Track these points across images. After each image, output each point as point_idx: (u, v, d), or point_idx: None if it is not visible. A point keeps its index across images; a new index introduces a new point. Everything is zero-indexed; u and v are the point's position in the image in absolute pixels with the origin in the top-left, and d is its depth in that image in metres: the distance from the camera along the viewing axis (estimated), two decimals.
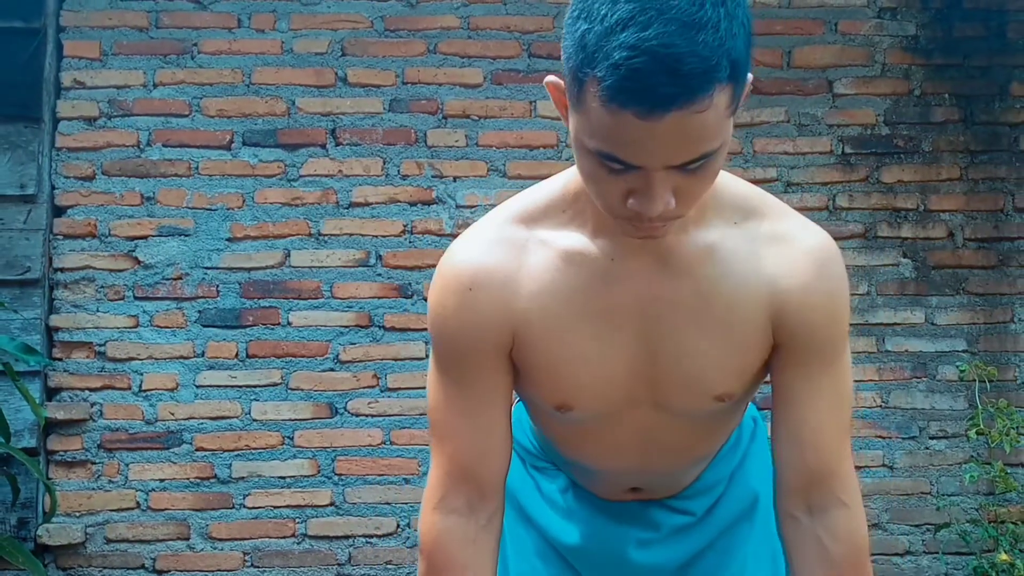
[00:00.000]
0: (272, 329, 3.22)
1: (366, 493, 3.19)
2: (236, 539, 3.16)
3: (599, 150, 1.04)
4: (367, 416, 3.20)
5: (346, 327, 3.23)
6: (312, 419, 3.20)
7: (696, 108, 0.98)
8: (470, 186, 3.26)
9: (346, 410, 3.21)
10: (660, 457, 1.39)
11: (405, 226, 3.26)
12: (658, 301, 1.22)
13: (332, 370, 3.21)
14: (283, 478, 3.18)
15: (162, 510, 3.15)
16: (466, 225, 3.19)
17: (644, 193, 1.05)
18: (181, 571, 3.14)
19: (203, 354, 3.20)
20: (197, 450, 3.17)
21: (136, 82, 3.24)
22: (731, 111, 1.03)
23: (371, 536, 3.18)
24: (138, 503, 3.15)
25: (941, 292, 3.31)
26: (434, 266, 1.31)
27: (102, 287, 3.19)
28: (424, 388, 1.32)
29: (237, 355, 3.20)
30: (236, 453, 3.17)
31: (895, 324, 3.30)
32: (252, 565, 3.15)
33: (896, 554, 3.24)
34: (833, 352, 1.26)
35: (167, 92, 3.25)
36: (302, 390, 3.21)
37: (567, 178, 1.26)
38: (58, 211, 3.21)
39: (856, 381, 3.25)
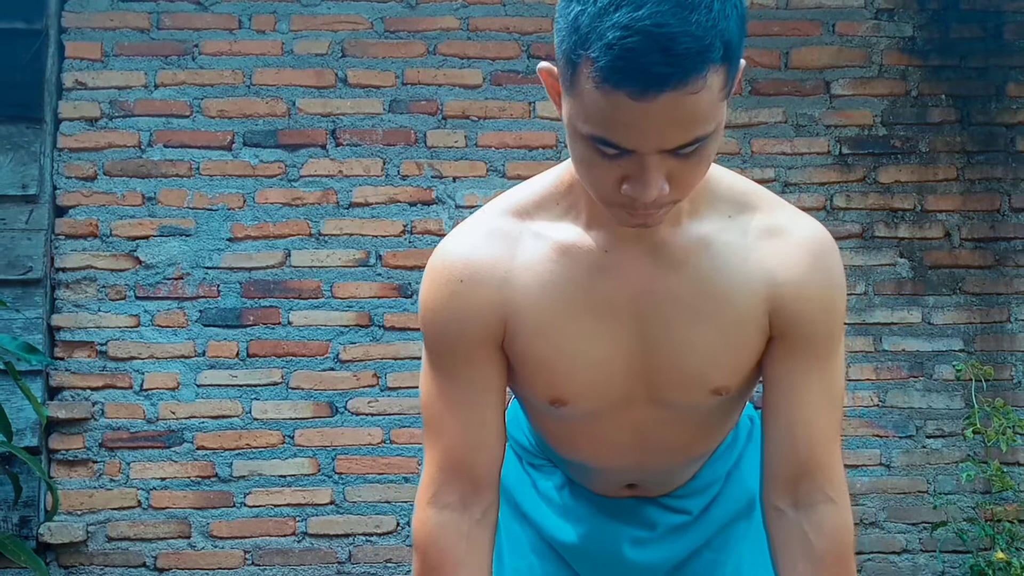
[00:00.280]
0: (273, 329, 3.23)
1: (366, 492, 3.20)
2: (237, 537, 3.17)
3: (592, 134, 1.03)
4: (367, 415, 3.22)
5: (346, 327, 3.24)
6: (312, 418, 3.22)
7: (690, 89, 0.98)
8: (470, 186, 3.28)
9: (346, 409, 3.22)
10: (656, 454, 1.38)
11: (405, 226, 3.27)
12: (652, 294, 1.22)
13: (332, 369, 3.23)
14: (283, 477, 3.20)
15: (163, 509, 3.16)
16: None
17: (638, 178, 1.05)
18: (182, 569, 3.16)
19: (204, 353, 3.21)
20: (198, 449, 3.18)
21: (137, 83, 3.26)
22: (725, 94, 1.03)
23: (371, 534, 3.20)
24: (139, 502, 3.16)
25: (938, 292, 3.33)
26: None
27: (103, 287, 3.20)
28: (421, 371, 1.32)
29: (238, 354, 3.22)
30: (237, 452, 3.19)
31: (892, 324, 3.31)
32: (252, 563, 3.17)
33: (893, 552, 3.26)
34: (828, 345, 1.24)
35: (168, 93, 3.27)
36: (302, 389, 3.22)
37: (561, 171, 1.26)
38: (60, 211, 3.22)
39: (853, 380, 3.27)
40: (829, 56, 3.37)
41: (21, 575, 3.06)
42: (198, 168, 3.26)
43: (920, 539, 3.27)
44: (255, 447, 3.20)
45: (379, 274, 3.26)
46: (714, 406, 1.31)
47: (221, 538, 3.17)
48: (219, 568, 3.16)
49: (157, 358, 3.20)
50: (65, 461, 3.16)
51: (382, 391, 3.22)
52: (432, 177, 3.29)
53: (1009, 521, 3.17)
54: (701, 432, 1.39)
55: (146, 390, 3.19)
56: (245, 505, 3.18)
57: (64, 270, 3.20)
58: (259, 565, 3.17)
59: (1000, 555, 3.02)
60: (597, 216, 1.19)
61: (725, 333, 1.23)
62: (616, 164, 1.05)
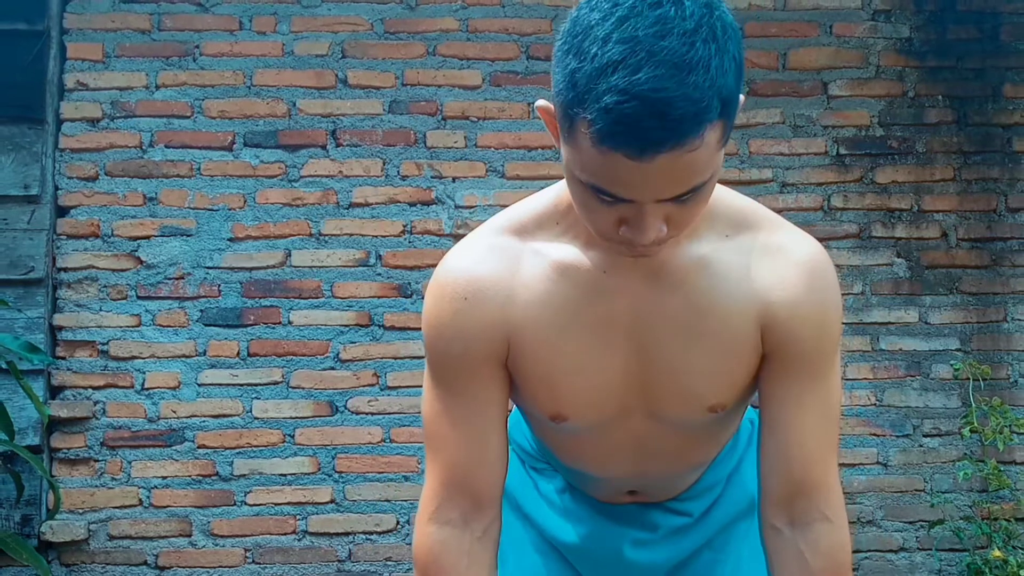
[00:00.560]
0: (273, 328, 3.25)
1: (366, 490, 3.21)
2: (237, 536, 3.19)
3: (590, 183, 1.04)
4: (367, 414, 3.23)
5: (346, 326, 3.26)
6: (313, 417, 3.23)
7: (687, 149, 0.98)
8: (469, 187, 3.29)
9: (346, 408, 3.24)
10: (656, 465, 1.39)
11: (405, 226, 3.29)
12: (650, 313, 1.22)
13: (332, 369, 3.24)
14: (284, 475, 3.21)
15: (164, 507, 3.18)
16: (465, 225, 3.23)
17: (636, 223, 1.06)
18: (183, 567, 3.17)
19: (205, 353, 3.23)
20: (199, 448, 3.20)
21: (138, 84, 3.27)
22: (722, 144, 1.03)
23: (371, 533, 3.21)
24: (140, 500, 3.18)
25: (935, 292, 3.34)
26: (433, 266, 1.31)
27: (105, 286, 3.22)
28: (423, 385, 1.32)
29: (238, 354, 3.23)
30: (237, 451, 3.20)
31: (889, 323, 3.33)
32: (253, 561, 3.18)
33: (890, 551, 3.28)
34: (822, 364, 1.24)
35: (169, 94, 3.28)
36: (303, 388, 3.23)
37: (559, 190, 1.25)
38: (61, 211, 3.24)
39: (851, 379, 3.29)
40: (826, 57, 3.39)
41: (23, 573, 3.08)
42: (199, 168, 3.27)
43: (917, 537, 3.28)
44: (256, 446, 3.21)
45: (379, 274, 3.27)
46: (711, 421, 1.32)
47: (222, 536, 3.18)
48: (220, 566, 3.18)
49: (158, 357, 3.21)
50: (67, 460, 3.17)
51: (382, 390, 3.24)
52: (432, 177, 3.30)
53: (1006, 519, 3.18)
54: (700, 444, 1.40)
55: (147, 389, 3.20)
56: (246, 504, 3.19)
57: (66, 270, 3.21)
58: (259, 563, 3.18)
59: (997, 553, 3.04)
60: (595, 237, 1.19)
61: (721, 352, 1.23)
62: (614, 209, 1.06)
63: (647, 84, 0.95)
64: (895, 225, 3.36)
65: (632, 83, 0.95)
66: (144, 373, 3.20)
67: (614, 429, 1.31)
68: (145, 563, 3.17)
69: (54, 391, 3.19)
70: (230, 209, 3.27)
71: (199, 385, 3.21)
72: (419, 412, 1.34)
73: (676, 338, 1.22)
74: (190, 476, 3.19)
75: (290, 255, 3.27)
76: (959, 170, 3.39)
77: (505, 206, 1.37)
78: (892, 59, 3.40)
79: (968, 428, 3.16)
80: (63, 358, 3.19)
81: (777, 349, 1.23)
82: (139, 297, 3.23)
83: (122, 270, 3.23)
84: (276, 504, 3.20)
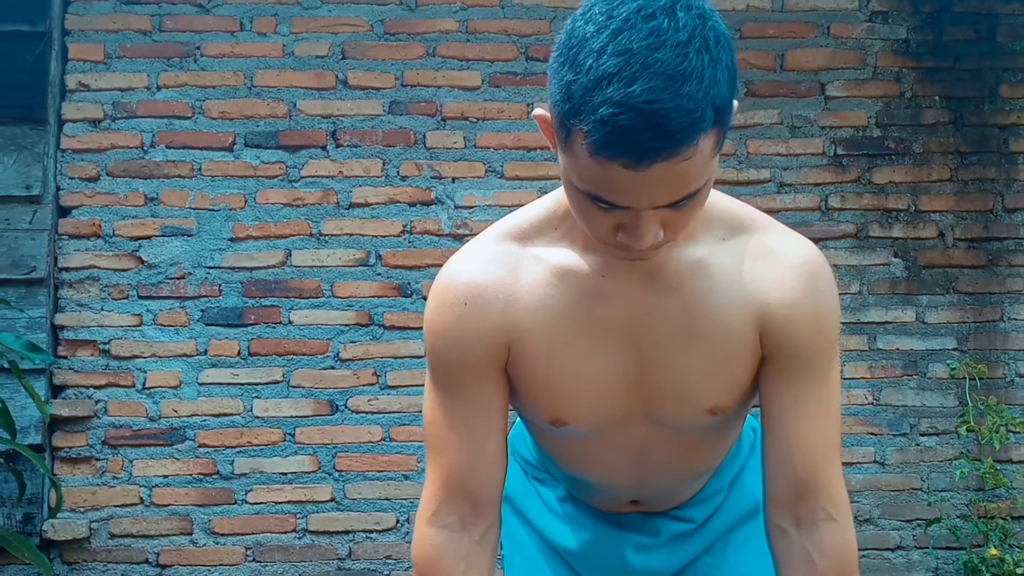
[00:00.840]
0: (273, 328, 3.26)
1: (366, 489, 3.23)
2: (238, 534, 3.20)
3: (588, 191, 1.06)
4: (367, 413, 3.25)
5: (346, 326, 3.27)
6: (313, 416, 3.24)
7: (682, 158, 1.00)
8: (468, 187, 3.30)
9: (346, 407, 3.25)
10: (657, 472, 1.39)
11: (404, 226, 3.30)
12: (648, 317, 1.23)
13: (332, 368, 3.26)
14: (284, 474, 3.22)
15: (165, 506, 3.19)
16: (464, 225, 3.24)
17: (632, 229, 1.07)
18: (184, 566, 3.18)
19: (206, 352, 3.24)
20: (200, 447, 3.21)
21: (140, 85, 3.28)
22: (716, 151, 1.05)
23: (371, 531, 3.22)
24: (142, 499, 3.19)
25: (932, 291, 3.36)
26: (433, 266, 1.33)
27: (106, 286, 3.23)
28: (423, 385, 1.34)
29: (239, 353, 3.25)
30: (238, 450, 3.22)
31: (886, 323, 3.34)
32: (254, 560, 3.20)
33: (887, 549, 3.29)
34: (821, 365, 1.25)
35: (170, 95, 3.29)
36: (303, 387, 3.25)
37: (557, 196, 1.26)
38: (63, 211, 3.25)
39: (848, 379, 3.30)
40: (824, 58, 3.40)
41: (25, 571, 3.09)
42: (200, 169, 3.28)
43: (914, 536, 3.29)
44: (256, 445, 3.22)
45: (379, 274, 3.28)
46: (711, 425, 1.32)
47: (222, 535, 3.20)
48: (220, 564, 3.19)
49: (159, 357, 3.23)
50: (68, 458, 3.18)
51: (382, 389, 3.25)
52: (431, 178, 3.31)
53: (1002, 518, 3.19)
54: (701, 451, 1.41)
55: (148, 388, 3.22)
56: (246, 502, 3.20)
57: (67, 270, 3.23)
58: (260, 562, 3.20)
59: (993, 551, 3.05)
60: (593, 242, 1.20)
61: (719, 354, 1.24)
62: (611, 215, 1.07)
63: (642, 96, 0.97)
64: (892, 225, 3.37)
65: (627, 95, 0.97)
66: (145, 372, 3.22)
67: (614, 433, 1.32)
68: (146, 561, 3.18)
69: (56, 390, 3.20)
70: (231, 209, 3.28)
71: (200, 384, 3.23)
72: (419, 411, 1.36)
73: (674, 341, 1.23)
74: (191, 475, 3.20)
75: (290, 255, 3.28)
76: (956, 170, 3.40)
77: (504, 206, 1.39)
78: (889, 60, 3.42)
79: (965, 427, 3.17)
80: (65, 357, 3.20)
81: (775, 351, 1.24)
82: (140, 297, 3.24)
83: (123, 270, 3.24)
84: (277, 503, 3.21)
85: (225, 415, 3.22)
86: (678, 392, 1.27)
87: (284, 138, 3.31)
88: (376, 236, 3.29)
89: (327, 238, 3.29)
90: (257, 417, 3.23)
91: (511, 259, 1.26)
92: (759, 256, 1.23)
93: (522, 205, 1.33)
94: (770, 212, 3.58)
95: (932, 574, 3.28)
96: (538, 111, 1.14)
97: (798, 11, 3.41)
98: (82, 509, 3.17)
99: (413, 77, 3.34)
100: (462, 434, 1.28)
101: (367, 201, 3.30)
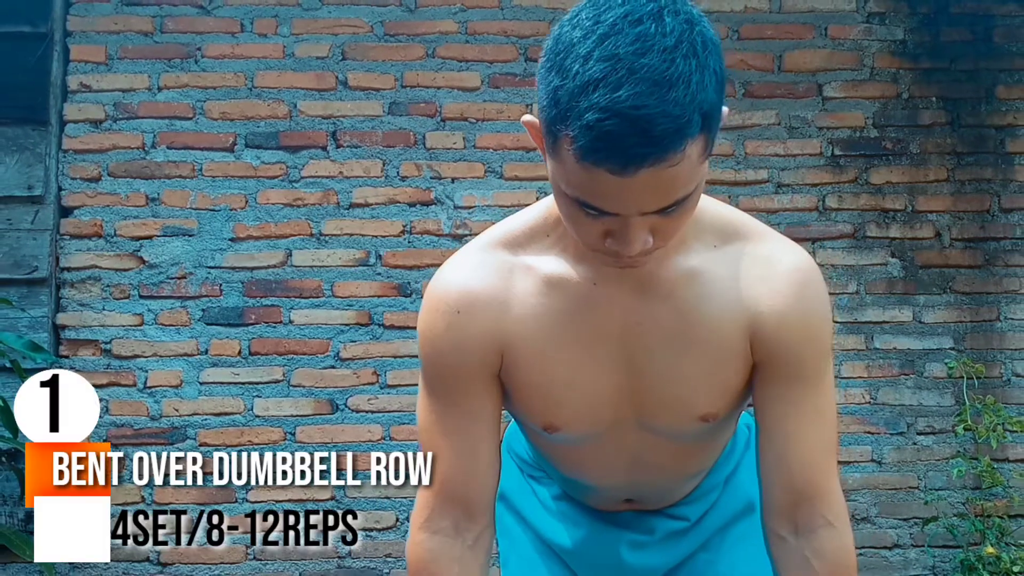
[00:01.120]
0: (274, 327, 3.27)
1: (366, 488, 3.24)
2: (238, 533, 3.20)
3: (576, 197, 1.06)
4: (367, 412, 3.26)
5: (346, 325, 3.28)
6: (313, 415, 3.25)
7: (669, 163, 1.00)
8: (468, 187, 3.31)
9: (346, 406, 3.26)
10: (651, 474, 1.40)
11: (404, 226, 3.31)
12: (640, 325, 1.23)
13: (333, 367, 3.27)
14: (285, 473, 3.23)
15: (166, 504, 3.20)
16: (464, 225, 3.25)
17: (621, 236, 1.07)
18: (184, 564, 3.19)
19: (207, 352, 3.25)
20: (201, 445, 3.22)
21: (141, 85, 3.30)
22: (705, 156, 1.04)
23: (371, 530, 3.23)
24: (142, 497, 3.20)
25: (928, 291, 3.37)
26: (432, 265, 1.34)
27: (108, 286, 3.24)
28: (418, 396, 1.35)
29: (240, 352, 3.26)
30: (239, 448, 3.23)
31: (883, 322, 3.35)
32: (254, 558, 3.21)
33: (884, 547, 3.30)
34: (813, 372, 1.25)
35: (171, 95, 3.31)
36: (303, 387, 3.26)
37: (549, 203, 1.26)
38: (65, 212, 3.26)
39: (845, 378, 3.31)
40: (821, 59, 3.41)
41: (27, 570, 3.10)
42: (201, 169, 3.30)
43: (911, 534, 3.31)
44: (257, 444, 3.23)
45: (379, 274, 3.29)
46: (704, 431, 1.33)
47: (223, 533, 3.20)
48: (221, 563, 3.20)
49: (160, 356, 3.24)
50: None
51: (382, 389, 3.26)
52: (431, 178, 3.33)
53: (999, 516, 3.20)
54: (693, 454, 1.41)
55: (149, 388, 3.23)
56: (247, 501, 3.21)
57: (69, 269, 3.24)
58: (260, 560, 3.21)
59: (990, 550, 3.06)
60: (585, 250, 1.20)
61: (711, 362, 1.24)
62: (600, 221, 1.07)
63: (628, 101, 0.97)
64: (889, 225, 3.38)
65: (613, 100, 0.97)
66: (146, 372, 3.23)
67: (607, 439, 1.32)
68: (148, 559, 3.19)
69: None
70: (231, 209, 3.29)
71: (201, 384, 3.24)
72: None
73: (666, 348, 1.24)
74: (192, 474, 3.21)
75: (291, 255, 3.29)
76: (953, 171, 3.41)
77: (503, 206, 1.40)
78: (886, 61, 3.43)
79: (962, 426, 3.18)
80: (66, 357, 3.21)
81: (767, 359, 1.24)
82: (141, 296, 3.25)
83: (125, 270, 3.25)
84: (277, 501, 3.22)
85: (226, 414, 3.23)
86: (670, 400, 1.27)
87: (284, 139, 3.32)
88: (376, 236, 3.30)
89: (327, 238, 3.30)
90: (258, 416, 3.24)
91: (503, 267, 1.26)
92: (751, 264, 1.23)
93: (521, 205, 1.34)
94: (768, 212, 3.57)
95: (929, 572, 3.29)
96: (527, 117, 1.15)
97: (796, 12, 3.42)
98: None
99: (413, 78, 3.35)
100: (455, 440, 1.28)
101: (367, 201, 3.31)
